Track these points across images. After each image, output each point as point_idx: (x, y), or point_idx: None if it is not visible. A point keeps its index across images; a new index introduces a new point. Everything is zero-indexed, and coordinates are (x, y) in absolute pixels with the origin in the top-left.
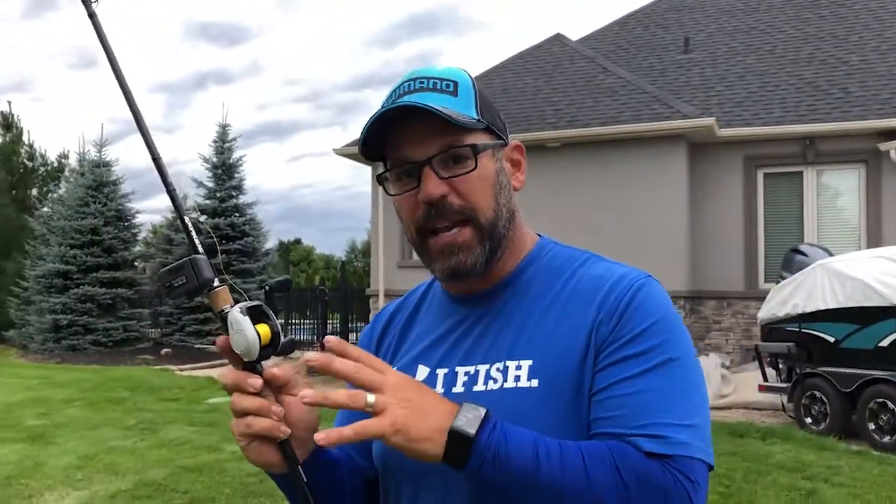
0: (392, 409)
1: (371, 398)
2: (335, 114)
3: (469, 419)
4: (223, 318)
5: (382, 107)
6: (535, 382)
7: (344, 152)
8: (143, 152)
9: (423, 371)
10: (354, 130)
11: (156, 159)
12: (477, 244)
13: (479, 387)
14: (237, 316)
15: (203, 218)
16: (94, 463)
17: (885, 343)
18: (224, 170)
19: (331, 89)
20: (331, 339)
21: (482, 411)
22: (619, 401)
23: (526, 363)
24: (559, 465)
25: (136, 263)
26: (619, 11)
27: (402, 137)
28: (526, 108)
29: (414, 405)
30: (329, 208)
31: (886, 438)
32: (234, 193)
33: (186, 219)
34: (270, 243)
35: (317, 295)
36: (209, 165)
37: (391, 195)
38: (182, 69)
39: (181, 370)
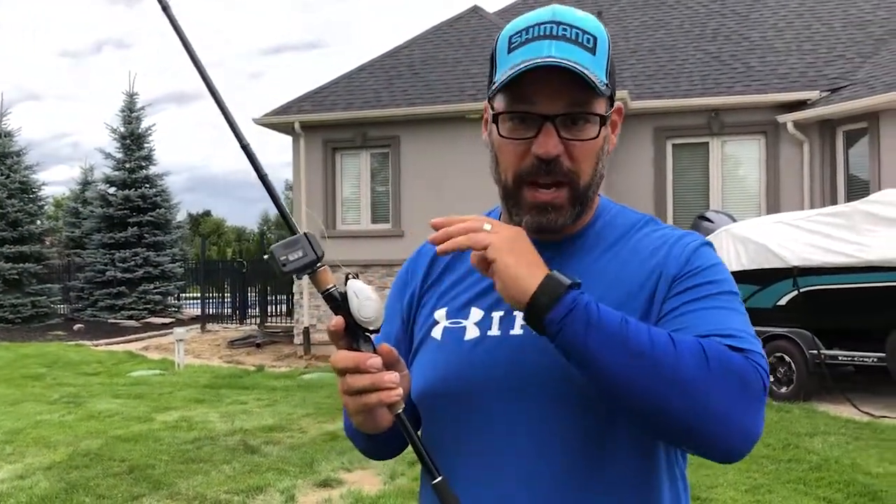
0: (499, 247)
1: (487, 229)
2: (243, 80)
3: (564, 277)
4: (332, 295)
5: (523, 42)
6: None
7: (264, 122)
8: (42, 120)
9: (476, 313)
10: (268, 98)
11: (244, 147)
12: (569, 206)
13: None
14: (360, 285)
15: (112, 189)
16: (22, 437)
17: (782, 302)
18: (133, 140)
19: (239, 54)
20: (436, 220)
21: (570, 278)
22: (694, 315)
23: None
24: (647, 335)
25: (44, 238)
26: None
27: (535, 86)
28: (446, 80)
29: (517, 252)
30: (238, 179)
31: (784, 389)
32: (143, 164)
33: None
34: (180, 215)
35: (234, 268)
36: (116, 136)
37: (500, 136)
38: (79, 32)
39: (96, 345)
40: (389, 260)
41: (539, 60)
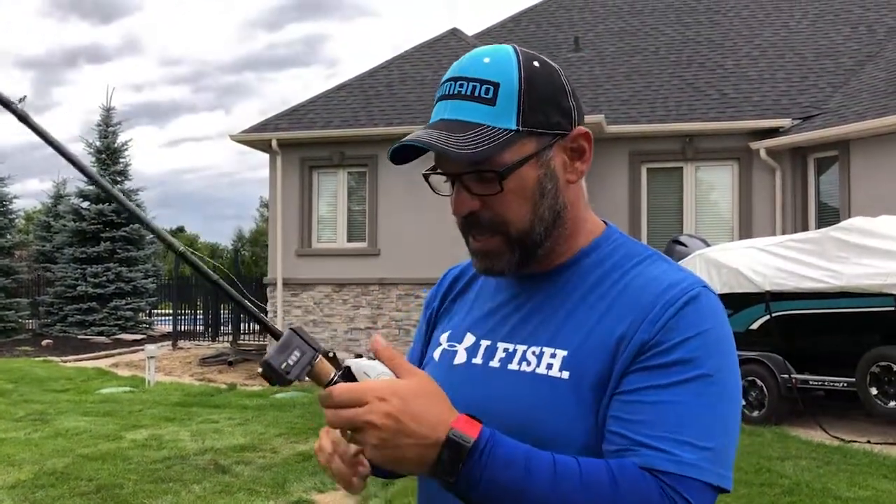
0: (369, 445)
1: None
2: (217, 96)
3: (449, 459)
4: (334, 383)
5: (435, 101)
6: (565, 374)
7: (241, 139)
8: (14, 132)
9: (469, 338)
10: (241, 114)
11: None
12: (507, 251)
13: (514, 366)
14: (366, 363)
15: (85, 204)
16: None
17: (755, 326)
18: (108, 154)
19: (212, 71)
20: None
21: (466, 445)
22: (641, 407)
23: (561, 353)
24: (551, 477)
25: (13, 252)
26: (510, 9)
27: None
28: (425, 100)
29: (393, 444)
30: (212, 195)
31: (755, 413)
32: (118, 179)
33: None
34: None
35: (207, 285)
36: (92, 150)
37: (435, 193)
38: (50, 45)
39: (65, 361)
40: (365, 279)
41: (407, 140)
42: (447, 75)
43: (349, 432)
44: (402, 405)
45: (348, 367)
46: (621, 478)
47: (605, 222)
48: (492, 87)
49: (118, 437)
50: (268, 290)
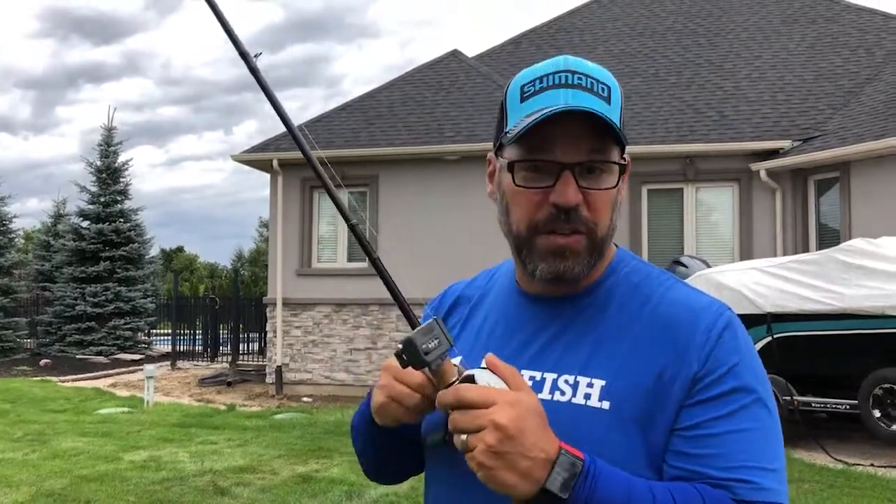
0: (479, 454)
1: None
2: (217, 117)
3: (563, 479)
4: (454, 383)
5: (536, 91)
6: (605, 405)
7: (242, 159)
8: (13, 151)
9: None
10: (241, 134)
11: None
12: (586, 255)
13: (545, 395)
14: (489, 374)
15: (85, 223)
16: None
17: (756, 348)
18: (109, 174)
19: (212, 91)
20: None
21: (578, 467)
22: (708, 441)
23: (599, 382)
24: (651, 500)
25: (13, 270)
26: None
27: (553, 134)
28: (426, 121)
29: (507, 454)
30: (211, 215)
31: None
32: (118, 198)
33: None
34: (154, 251)
35: (206, 304)
36: (93, 169)
37: (516, 185)
38: (50, 64)
39: (63, 381)
40: (365, 299)
41: (562, 106)
42: (557, 66)
43: (464, 437)
44: (527, 415)
45: (471, 375)
46: (709, 497)
47: (615, 244)
48: (606, 88)
49: (116, 458)
50: (267, 309)
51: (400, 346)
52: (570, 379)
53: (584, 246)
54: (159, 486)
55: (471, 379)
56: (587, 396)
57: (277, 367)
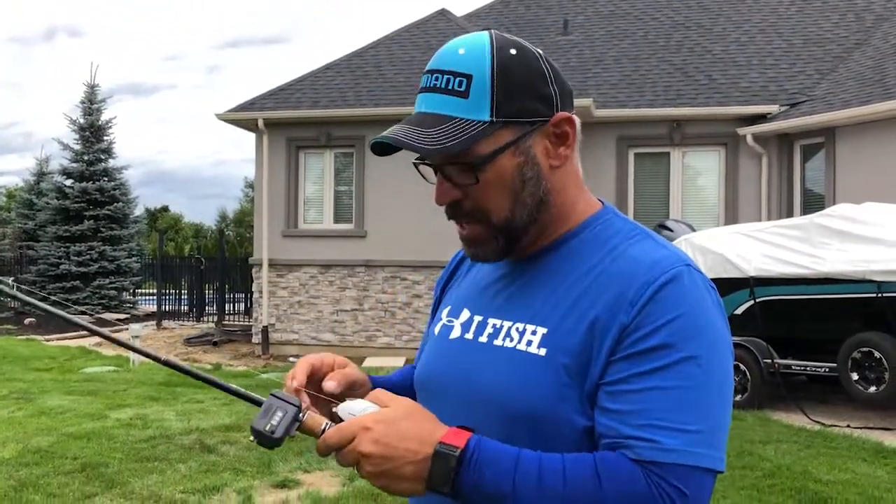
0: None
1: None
2: (202, 74)
3: (442, 472)
4: (324, 431)
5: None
6: (542, 351)
7: (227, 118)
8: None
9: (465, 314)
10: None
11: None
12: (490, 239)
13: (499, 341)
14: (350, 406)
15: (69, 182)
16: None
17: (739, 311)
18: (92, 132)
19: (196, 49)
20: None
21: (453, 458)
22: (626, 396)
23: (541, 330)
24: (537, 477)
25: None
26: None
27: None
28: (413, 81)
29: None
30: (195, 175)
31: (738, 397)
32: (102, 157)
33: None
34: (138, 210)
35: (192, 265)
36: (75, 127)
37: (429, 183)
38: (28, 19)
39: (48, 340)
40: (352, 260)
41: (380, 137)
42: (427, 67)
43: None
44: (387, 429)
45: (336, 414)
46: (605, 473)
47: (602, 202)
48: (465, 80)
49: (103, 416)
50: (253, 270)
51: (252, 438)
52: (520, 327)
53: (483, 233)
54: (146, 443)
55: (337, 417)
56: (528, 343)
57: (263, 327)
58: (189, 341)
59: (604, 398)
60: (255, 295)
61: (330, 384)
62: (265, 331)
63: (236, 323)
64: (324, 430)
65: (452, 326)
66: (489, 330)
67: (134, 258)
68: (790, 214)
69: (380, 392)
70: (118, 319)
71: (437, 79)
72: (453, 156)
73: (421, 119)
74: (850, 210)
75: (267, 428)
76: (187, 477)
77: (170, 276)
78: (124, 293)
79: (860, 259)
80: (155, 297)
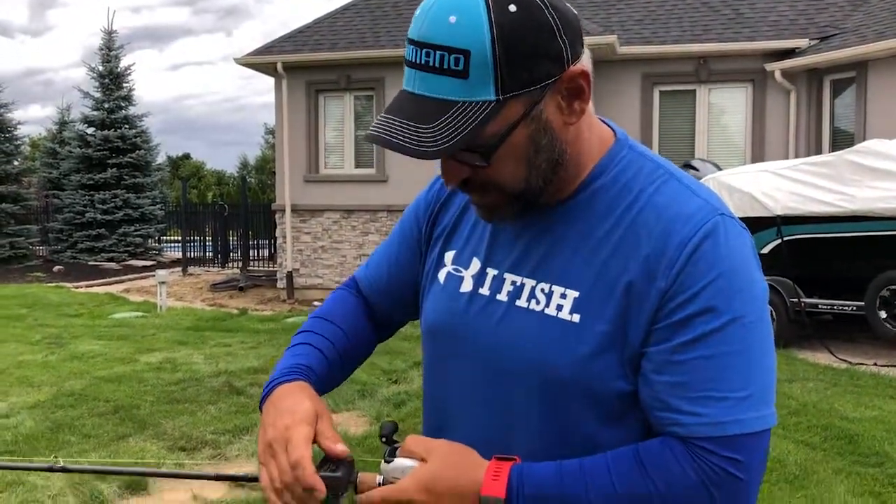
0: None
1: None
2: (217, 19)
3: None
4: (382, 482)
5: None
6: (576, 317)
7: (245, 62)
8: (12, 56)
9: (475, 264)
10: (242, 37)
11: None
12: (508, 205)
13: (522, 302)
14: (391, 467)
15: (90, 130)
16: (5, 377)
17: (765, 250)
18: (111, 79)
19: None
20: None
21: (501, 499)
22: (672, 368)
23: (572, 294)
24: (584, 488)
25: (21, 178)
26: None
27: None
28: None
29: None
30: (215, 121)
31: None
32: (122, 104)
33: None
34: (160, 158)
35: (215, 211)
36: (95, 74)
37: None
38: None
39: (77, 287)
40: (374, 205)
41: (375, 134)
42: (410, 33)
43: None
44: (429, 497)
45: (382, 478)
46: (652, 466)
47: (612, 130)
48: (462, 57)
49: (133, 360)
50: (276, 216)
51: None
52: (546, 287)
53: (498, 201)
54: (176, 386)
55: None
56: (559, 308)
57: (288, 272)
58: (215, 287)
59: (649, 368)
60: (279, 240)
61: (341, 448)
62: (290, 276)
63: (261, 269)
64: (380, 485)
65: (462, 277)
66: (508, 287)
67: (158, 206)
68: (818, 152)
69: (412, 443)
70: (144, 266)
71: (428, 55)
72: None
73: (418, 108)
74: (881, 145)
75: (326, 471)
76: (217, 418)
77: (194, 223)
78: (150, 240)
79: (891, 196)
80: (180, 244)
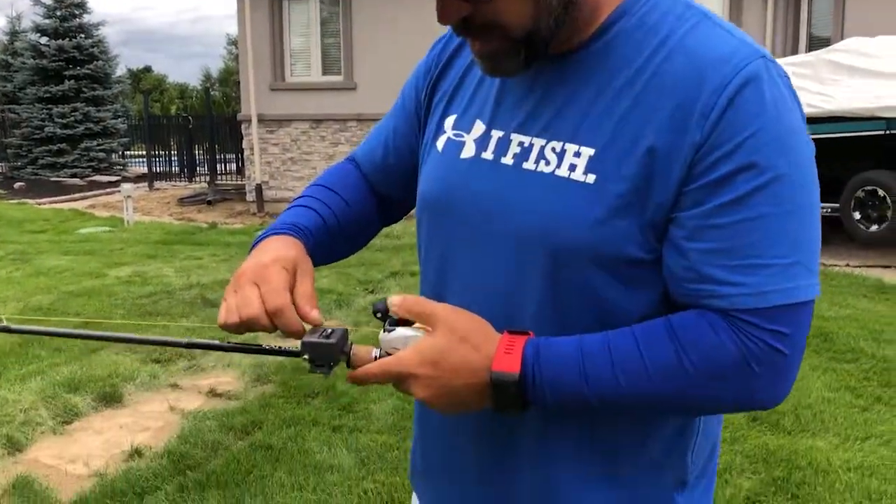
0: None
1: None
2: None
3: (504, 402)
4: (379, 355)
5: None
6: (591, 178)
7: None
8: None
9: (478, 127)
10: None
11: None
12: (511, 53)
13: (530, 164)
14: (391, 336)
15: (44, 39)
16: None
17: None
18: None
19: None
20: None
21: (512, 386)
22: (709, 233)
23: (587, 152)
24: (610, 371)
25: None
26: None
27: None
28: None
29: (443, 392)
30: (175, 33)
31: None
32: (76, 12)
33: None
34: (120, 70)
35: (179, 124)
36: None
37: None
38: None
39: (40, 203)
40: (343, 114)
41: None
42: None
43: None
44: (434, 370)
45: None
46: (686, 341)
47: None
48: None
49: (101, 274)
50: (242, 126)
51: (304, 357)
52: (558, 146)
53: (501, 48)
54: (147, 299)
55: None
56: (572, 167)
57: (257, 184)
58: (183, 201)
59: (680, 235)
60: (247, 152)
61: (315, 314)
62: (259, 188)
63: (229, 182)
64: (376, 358)
65: (463, 142)
66: (514, 149)
67: (120, 119)
68: None
69: (414, 303)
70: (109, 181)
71: None
72: None
73: None
74: (861, 44)
75: (319, 338)
76: (191, 331)
77: (158, 136)
78: (113, 155)
79: (870, 95)
80: (145, 159)
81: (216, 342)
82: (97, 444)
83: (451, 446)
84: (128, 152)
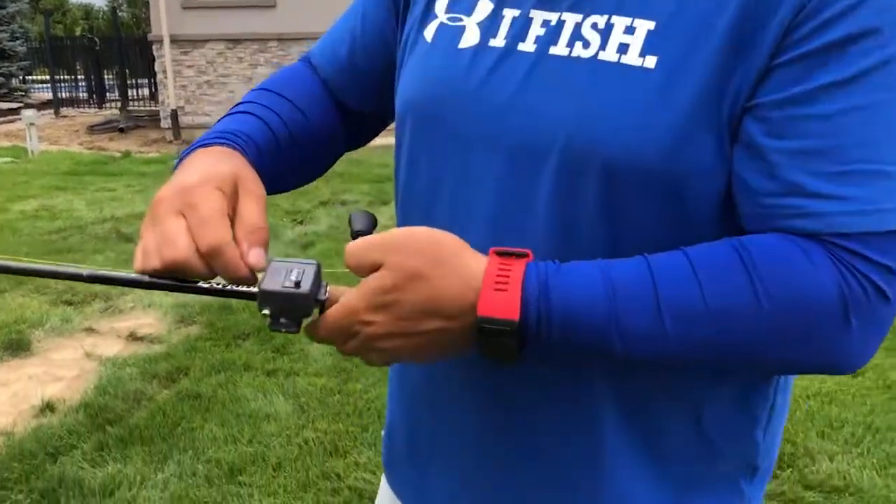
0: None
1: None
2: None
3: (495, 352)
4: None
5: None
6: (651, 62)
7: None
8: None
9: (484, 6)
10: None
11: None
12: None
13: (560, 49)
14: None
15: None
16: None
17: None
18: None
19: None
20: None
21: (508, 334)
22: (802, 126)
23: (645, 25)
24: (655, 311)
25: None
26: None
27: None
28: None
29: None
30: None
31: None
32: None
33: None
34: None
35: (85, 46)
36: None
37: None
38: None
39: None
40: (262, 34)
41: None
42: None
43: None
44: (386, 319)
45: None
46: (763, 264)
47: None
48: None
49: (4, 208)
50: (154, 48)
51: (264, 313)
52: (601, 21)
53: None
54: (56, 235)
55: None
56: (622, 48)
57: (172, 110)
58: (93, 129)
59: (759, 131)
60: (159, 76)
61: (255, 256)
62: (174, 114)
63: (142, 108)
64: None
65: (462, 27)
66: (537, 30)
67: (18, 41)
68: None
69: (360, 258)
70: (10, 109)
71: None
72: None
73: None
74: None
75: (285, 284)
76: (106, 267)
77: (62, 60)
78: (13, 80)
79: None
80: (49, 85)
81: (131, 275)
82: (3, 398)
83: (447, 420)
84: (29, 77)
